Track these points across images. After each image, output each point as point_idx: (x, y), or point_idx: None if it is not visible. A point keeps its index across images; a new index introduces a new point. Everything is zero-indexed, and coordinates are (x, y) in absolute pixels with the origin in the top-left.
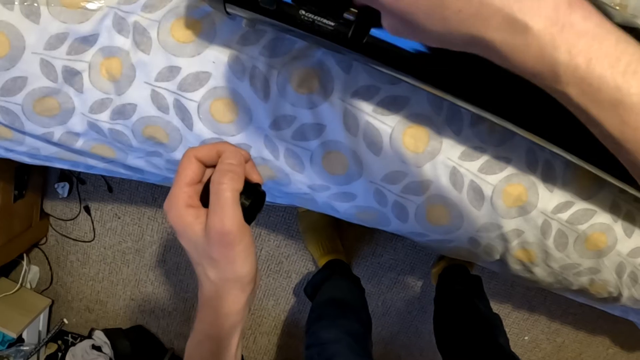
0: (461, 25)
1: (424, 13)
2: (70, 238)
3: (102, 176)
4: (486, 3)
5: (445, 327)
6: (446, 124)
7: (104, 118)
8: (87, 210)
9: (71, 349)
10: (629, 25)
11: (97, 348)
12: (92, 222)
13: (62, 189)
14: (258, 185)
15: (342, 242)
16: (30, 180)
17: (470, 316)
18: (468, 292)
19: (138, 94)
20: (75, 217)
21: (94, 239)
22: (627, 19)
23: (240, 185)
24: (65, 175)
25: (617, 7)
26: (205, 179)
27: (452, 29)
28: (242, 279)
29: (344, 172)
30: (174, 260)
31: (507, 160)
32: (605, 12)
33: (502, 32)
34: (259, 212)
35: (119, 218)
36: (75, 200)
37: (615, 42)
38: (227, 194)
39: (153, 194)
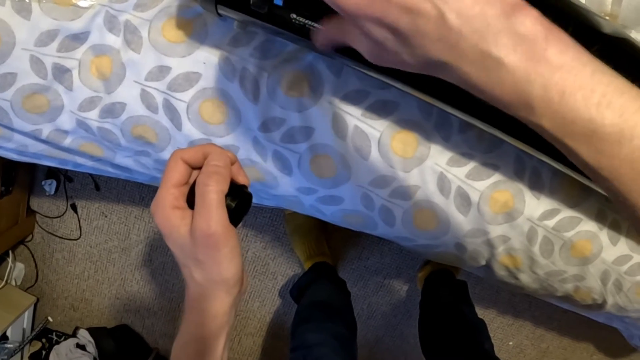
0: (438, 53)
1: (402, 41)
2: (56, 236)
3: (90, 174)
4: (463, 36)
5: (430, 332)
6: (435, 130)
7: (93, 116)
8: (74, 208)
9: (55, 347)
10: (618, 36)
11: (82, 347)
12: (79, 220)
13: (50, 186)
14: (244, 187)
15: (328, 245)
16: (18, 177)
17: (456, 321)
18: (453, 297)
19: (128, 93)
20: (62, 215)
21: (80, 237)
22: (617, 29)
23: (225, 187)
24: (52, 173)
25: (607, 17)
26: (192, 181)
27: (429, 57)
28: (228, 281)
29: (332, 175)
30: (160, 260)
31: (495, 167)
32: (595, 22)
33: (477, 66)
34: (245, 214)
35: (106, 216)
36: (62, 197)
37: (591, 73)
38: (212, 195)
39: (140, 193)
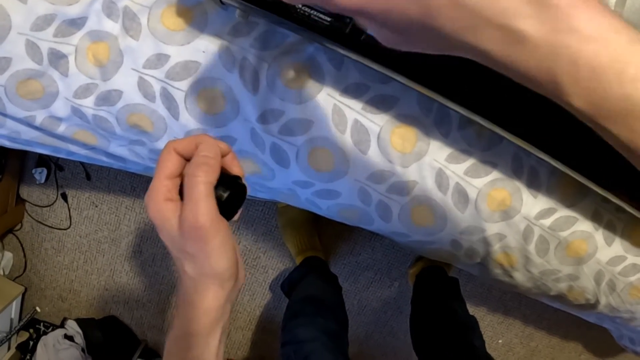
0: (455, 34)
1: (415, 24)
2: (45, 225)
3: (81, 163)
4: (477, 12)
5: (421, 329)
6: (434, 125)
7: (88, 104)
8: (64, 197)
9: (43, 338)
10: None
11: (70, 338)
12: (69, 210)
13: (40, 174)
14: (238, 178)
15: (320, 240)
16: (7, 165)
17: (447, 318)
18: (445, 294)
19: (124, 81)
20: (52, 204)
21: (69, 226)
22: None
23: (214, 178)
24: (43, 161)
25: None
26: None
27: (446, 39)
28: (220, 274)
29: (330, 169)
30: (150, 251)
31: (493, 164)
32: None
33: (498, 43)
34: (239, 206)
35: (96, 206)
36: (53, 186)
37: (626, 43)
38: (200, 187)
39: (132, 183)
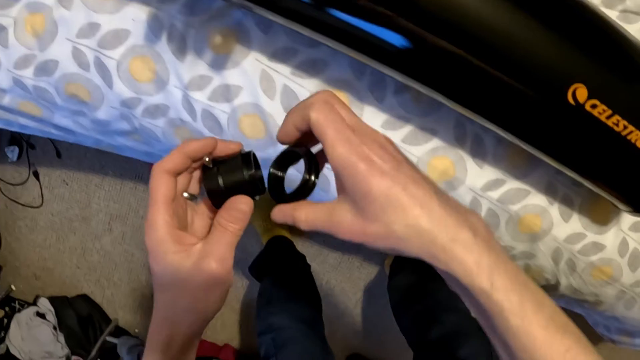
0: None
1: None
2: (18, 203)
3: (51, 141)
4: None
5: (402, 312)
6: (368, 90)
7: (28, 74)
8: (36, 175)
9: (16, 315)
10: None
11: (41, 315)
12: (41, 188)
13: (12, 152)
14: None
15: None
16: None
17: (425, 297)
18: (418, 274)
19: (60, 51)
20: (25, 182)
21: (42, 204)
22: None
23: (243, 228)
24: (15, 139)
25: None
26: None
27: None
28: (210, 318)
29: (262, 136)
30: (120, 229)
31: (433, 131)
32: None
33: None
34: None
35: (67, 184)
36: (25, 164)
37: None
38: (232, 238)
39: (100, 161)
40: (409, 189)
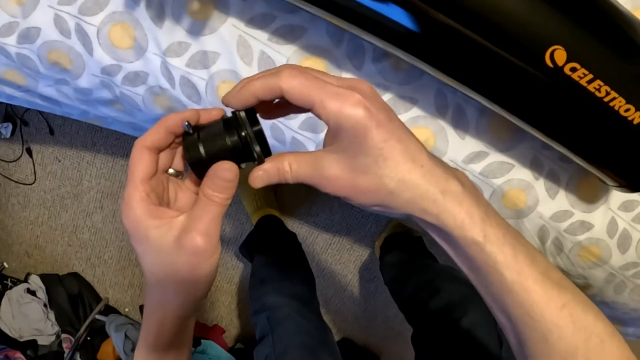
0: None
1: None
2: (12, 180)
3: (44, 118)
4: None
5: (399, 290)
6: (346, 57)
7: (11, 42)
8: (29, 152)
9: (7, 292)
10: None
11: (32, 292)
12: (34, 165)
13: (5, 129)
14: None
15: (276, 198)
16: None
17: (423, 270)
18: (410, 252)
19: (42, 18)
20: (18, 159)
21: (34, 181)
22: None
23: (230, 198)
24: (9, 116)
25: None
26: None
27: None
28: (201, 298)
29: None
30: (111, 208)
31: (413, 100)
32: None
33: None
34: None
35: (59, 161)
36: (18, 141)
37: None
38: (217, 209)
39: (92, 138)
40: (403, 142)
